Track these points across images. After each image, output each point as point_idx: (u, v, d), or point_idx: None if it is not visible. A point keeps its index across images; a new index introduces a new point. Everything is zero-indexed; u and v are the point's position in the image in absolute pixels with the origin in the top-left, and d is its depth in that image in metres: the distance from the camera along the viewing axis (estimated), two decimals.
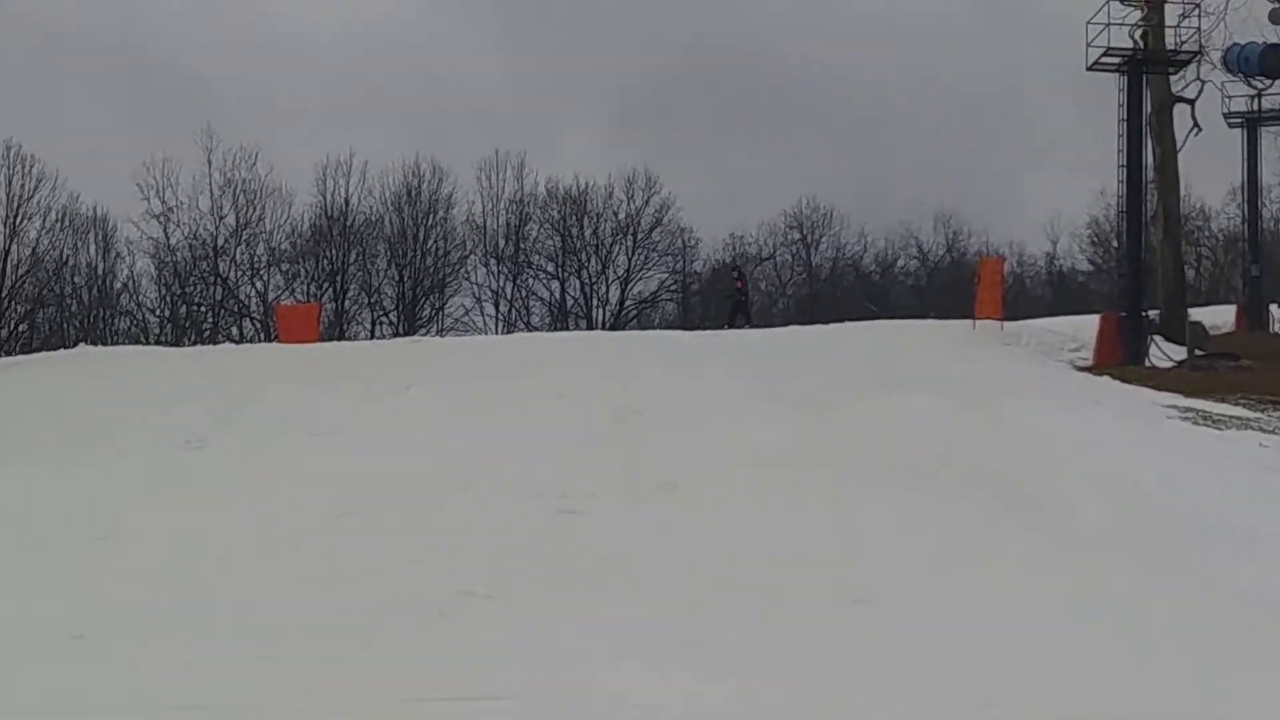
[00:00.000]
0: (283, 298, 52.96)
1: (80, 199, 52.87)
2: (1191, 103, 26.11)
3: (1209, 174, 60.37)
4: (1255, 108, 31.41)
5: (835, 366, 19.03)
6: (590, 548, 9.79)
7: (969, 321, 24.61)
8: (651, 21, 79.90)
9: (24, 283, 51.93)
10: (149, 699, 6.36)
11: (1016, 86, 77.99)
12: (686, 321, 42.00)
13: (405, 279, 56.33)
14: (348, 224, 56.04)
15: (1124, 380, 19.18)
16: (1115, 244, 41.04)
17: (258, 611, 8.04)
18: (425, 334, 49.62)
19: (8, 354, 39.77)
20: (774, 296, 62.22)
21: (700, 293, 60.06)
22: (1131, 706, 6.63)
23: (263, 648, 7.16)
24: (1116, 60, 23.63)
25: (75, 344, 29.79)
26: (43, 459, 13.36)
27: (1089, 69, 23.76)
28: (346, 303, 55.73)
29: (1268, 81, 30.33)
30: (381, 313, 56.38)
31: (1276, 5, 29.00)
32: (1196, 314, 26.38)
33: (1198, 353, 22.33)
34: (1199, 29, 24.45)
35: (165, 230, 53.22)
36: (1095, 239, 59.07)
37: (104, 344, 41.06)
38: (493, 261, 57.63)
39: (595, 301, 58.63)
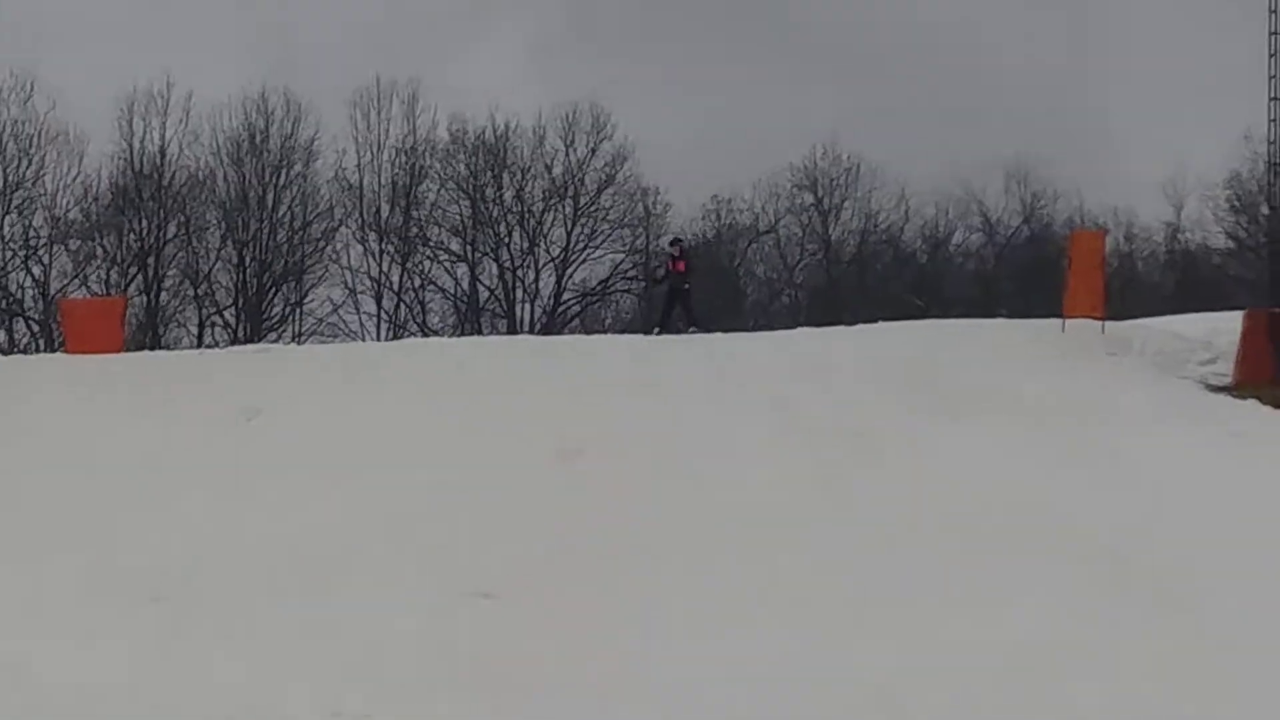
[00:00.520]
0: (71, 289, 52.74)
1: None
2: None
3: None
4: None
5: (864, 385, 19.06)
6: (508, 652, 9.80)
7: (1056, 321, 24.63)
8: None
9: None
10: None
11: None
12: (649, 322, 41.79)
13: (247, 261, 56.13)
14: (164, 183, 55.74)
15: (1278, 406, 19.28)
16: (1266, 209, 41.23)
17: None
18: (277, 340, 49.54)
19: None
20: (775, 286, 62.55)
21: None
22: None
23: None
24: None
25: None
26: None
27: None
28: (163, 295, 55.57)
29: None
30: (214, 309, 56.24)
31: None
32: None
33: None
34: None
35: None
36: (1237, 203, 59.12)
37: None
38: (372, 237, 57.71)
39: (520, 294, 58.86)
